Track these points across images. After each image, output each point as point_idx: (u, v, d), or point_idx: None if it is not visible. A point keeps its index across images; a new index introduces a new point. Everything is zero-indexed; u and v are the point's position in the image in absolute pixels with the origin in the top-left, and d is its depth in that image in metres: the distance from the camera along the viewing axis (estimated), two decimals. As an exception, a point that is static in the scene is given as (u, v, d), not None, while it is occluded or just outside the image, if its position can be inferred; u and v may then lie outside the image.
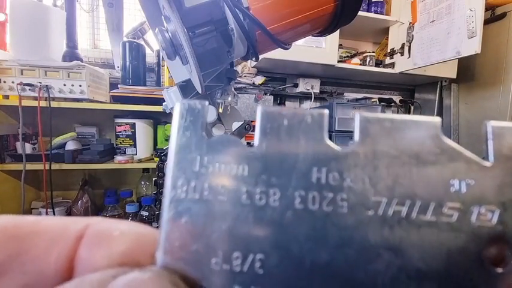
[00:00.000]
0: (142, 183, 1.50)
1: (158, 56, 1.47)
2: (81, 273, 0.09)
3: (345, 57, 1.63)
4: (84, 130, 1.45)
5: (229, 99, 0.51)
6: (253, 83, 1.50)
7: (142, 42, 1.40)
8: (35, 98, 1.11)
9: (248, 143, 0.50)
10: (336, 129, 1.41)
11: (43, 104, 1.11)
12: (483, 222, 0.08)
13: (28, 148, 1.24)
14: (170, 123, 1.36)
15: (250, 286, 0.08)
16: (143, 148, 1.35)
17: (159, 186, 0.42)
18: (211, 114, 0.48)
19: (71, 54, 1.28)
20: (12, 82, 1.11)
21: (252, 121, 0.55)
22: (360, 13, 1.39)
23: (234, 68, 0.44)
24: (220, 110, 0.50)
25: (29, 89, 1.12)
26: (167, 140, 1.41)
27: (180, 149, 0.09)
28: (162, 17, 0.43)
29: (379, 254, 0.08)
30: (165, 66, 1.41)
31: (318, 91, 1.64)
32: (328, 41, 1.34)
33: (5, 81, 1.12)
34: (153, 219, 1.34)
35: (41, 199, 1.37)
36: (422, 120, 0.09)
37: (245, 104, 1.45)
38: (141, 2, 0.48)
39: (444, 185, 0.08)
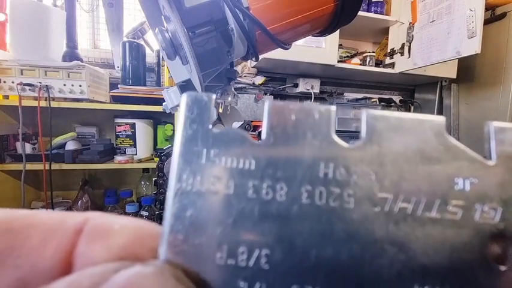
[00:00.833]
0: (142, 183, 1.50)
1: (158, 56, 1.47)
2: (79, 267, 0.09)
3: (345, 57, 1.63)
4: (84, 130, 1.45)
5: (229, 99, 0.51)
6: (253, 83, 1.50)
7: (142, 42, 1.40)
8: (35, 98, 1.11)
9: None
10: (336, 129, 1.41)
11: (43, 104, 1.11)
12: (486, 219, 0.08)
13: (28, 148, 1.24)
14: (170, 123, 1.36)
15: (255, 281, 0.08)
16: (143, 148, 1.35)
17: (159, 186, 0.42)
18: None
19: (71, 54, 1.28)
20: (12, 82, 1.11)
21: (252, 121, 0.55)
22: (360, 13, 1.39)
23: (234, 68, 0.44)
24: (220, 110, 0.50)
25: (29, 89, 1.12)
26: (167, 140, 1.41)
27: (186, 141, 0.09)
28: (162, 17, 0.43)
29: (385, 249, 0.08)
30: (165, 66, 1.41)
31: (318, 91, 1.64)
32: (328, 41, 1.34)
33: (5, 81, 1.12)
34: (153, 219, 1.34)
35: (41, 199, 1.37)
36: (427, 119, 0.09)
37: (245, 104, 1.45)
38: (141, 2, 0.48)
39: (449, 182, 0.08)
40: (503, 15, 1.41)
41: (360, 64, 1.54)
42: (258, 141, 0.09)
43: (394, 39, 1.51)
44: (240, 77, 1.48)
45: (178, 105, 0.53)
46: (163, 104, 0.55)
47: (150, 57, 1.49)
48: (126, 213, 1.34)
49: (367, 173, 0.09)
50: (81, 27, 1.55)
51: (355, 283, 0.08)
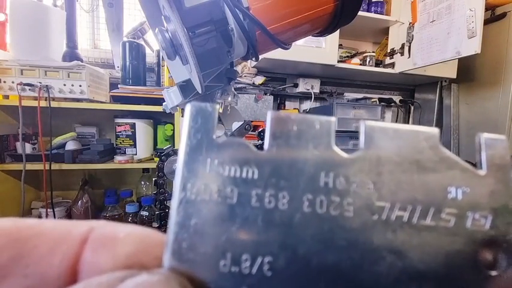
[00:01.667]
0: (142, 183, 1.50)
1: (158, 56, 1.47)
2: (85, 276, 0.09)
3: (345, 57, 1.63)
4: (84, 130, 1.45)
5: (229, 99, 0.51)
6: (253, 83, 1.50)
7: (142, 42, 1.40)
8: (35, 98, 1.11)
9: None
10: (336, 129, 1.41)
11: (43, 104, 1.11)
12: (477, 227, 0.09)
13: (28, 148, 1.24)
14: (170, 123, 1.36)
15: None
16: (143, 148, 1.35)
17: (159, 186, 0.42)
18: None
19: (71, 54, 1.28)
20: (12, 82, 1.11)
21: (252, 121, 0.55)
22: (360, 13, 1.39)
23: (234, 68, 0.44)
24: (220, 110, 0.50)
25: (29, 89, 1.12)
26: (167, 140, 1.41)
27: (191, 150, 0.09)
28: (162, 17, 0.43)
29: (383, 256, 0.09)
30: (165, 66, 1.41)
31: (318, 91, 1.64)
32: (328, 41, 1.34)
33: (5, 81, 1.12)
34: (153, 220, 1.34)
35: (41, 199, 1.37)
36: (422, 130, 0.09)
37: (245, 104, 1.45)
38: (141, 2, 0.48)
39: (442, 191, 0.09)
40: (503, 15, 1.41)
41: (360, 64, 1.54)
42: (260, 151, 0.09)
43: (394, 39, 1.51)
44: (240, 77, 1.48)
45: (178, 105, 0.53)
46: (163, 104, 0.55)
47: (150, 57, 1.49)
48: (126, 213, 1.34)
49: (366, 183, 0.09)
50: (81, 27, 1.55)
51: None
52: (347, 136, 1.45)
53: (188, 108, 0.09)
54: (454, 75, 1.56)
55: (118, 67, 1.42)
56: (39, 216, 1.27)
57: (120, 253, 0.09)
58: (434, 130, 0.10)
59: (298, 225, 0.09)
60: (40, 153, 1.15)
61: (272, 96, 1.51)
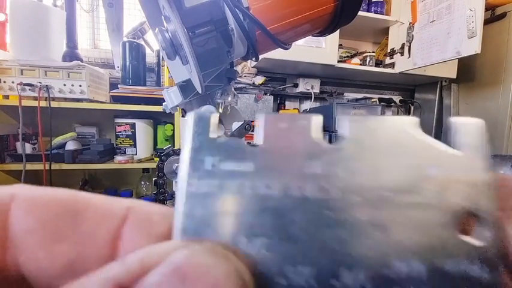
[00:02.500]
0: (142, 183, 1.50)
1: (158, 56, 1.47)
2: (123, 252, 0.10)
3: (345, 57, 1.63)
4: (84, 130, 1.45)
5: (229, 99, 0.51)
6: (253, 83, 1.50)
7: (142, 42, 1.40)
8: (35, 98, 1.11)
9: (249, 143, 0.50)
10: (336, 129, 1.41)
11: (43, 104, 1.11)
12: (456, 201, 0.10)
13: (28, 148, 1.24)
14: (170, 123, 1.36)
15: (256, 266, 0.09)
16: (143, 148, 1.35)
17: (159, 186, 0.42)
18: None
19: (71, 54, 1.28)
20: (12, 82, 1.11)
21: (252, 121, 0.55)
22: (360, 13, 1.39)
23: (234, 68, 0.44)
24: (220, 110, 0.50)
25: (29, 89, 1.12)
26: (167, 140, 1.41)
27: (194, 151, 0.11)
28: (162, 17, 0.43)
29: (368, 232, 0.10)
30: (165, 66, 1.41)
31: (318, 91, 1.64)
32: (328, 41, 1.34)
33: (5, 81, 1.12)
34: (153, 219, 1.35)
35: (41, 199, 1.37)
36: (402, 118, 0.11)
37: (245, 104, 1.45)
38: (141, 2, 0.48)
39: (422, 170, 0.10)
40: (503, 15, 1.41)
41: (360, 64, 1.54)
42: (255, 147, 0.11)
43: (394, 39, 1.51)
44: (240, 77, 1.48)
45: (178, 105, 0.53)
46: (163, 104, 0.55)
47: (150, 57, 1.49)
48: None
49: (350, 167, 0.10)
50: (81, 27, 1.55)
51: (342, 261, 0.09)
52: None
53: (191, 116, 0.11)
54: (454, 75, 1.56)
55: (118, 67, 1.42)
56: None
57: (155, 233, 0.10)
58: (414, 118, 0.11)
59: (290, 209, 0.10)
60: (40, 153, 1.15)
61: (272, 96, 1.51)
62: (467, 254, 0.09)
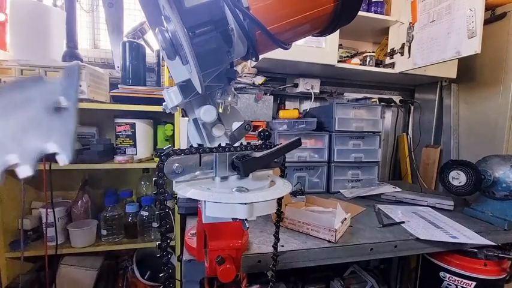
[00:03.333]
0: (142, 183, 1.50)
1: (158, 56, 1.47)
2: None
3: (345, 57, 1.63)
4: (84, 130, 1.45)
5: (229, 99, 0.51)
6: (253, 83, 1.50)
7: (142, 42, 1.40)
8: (35, 98, 1.11)
9: (248, 143, 0.50)
10: (336, 129, 1.42)
11: (43, 104, 1.11)
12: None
13: (28, 148, 1.23)
14: (170, 123, 1.35)
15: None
16: (143, 148, 1.35)
17: (159, 186, 0.42)
18: (211, 115, 0.48)
19: (71, 54, 1.28)
20: (12, 82, 1.11)
21: (252, 121, 0.55)
22: (360, 13, 1.39)
23: (234, 68, 0.44)
24: (220, 110, 0.50)
25: (29, 89, 1.11)
26: (167, 140, 1.41)
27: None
28: (162, 17, 0.43)
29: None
30: (165, 66, 1.41)
31: (318, 91, 1.64)
32: (328, 41, 1.34)
33: (5, 81, 1.11)
34: (153, 219, 1.35)
35: (41, 199, 1.37)
36: None
37: (245, 104, 1.45)
38: (141, 2, 0.48)
39: None
40: (503, 15, 1.41)
41: (360, 64, 1.54)
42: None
43: (394, 39, 1.51)
44: (240, 77, 1.48)
45: (178, 105, 0.53)
46: (163, 104, 0.55)
47: (150, 57, 1.49)
48: (126, 213, 1.34)
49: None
50: (81, 27, 1.55)
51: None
52: (347, 136, 1.45)
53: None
54: (454, 75, 1.56)
55: (118, 67, 1.42)
56: (40, 217, 1.27)
57: None
58: None
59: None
60: (40, 153, 1.15)
61: (272, 96, 1.51)
62: None
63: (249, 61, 1.46)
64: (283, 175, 0.54)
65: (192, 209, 0.98)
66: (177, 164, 0.42)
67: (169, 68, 0.53)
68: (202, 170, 0.45)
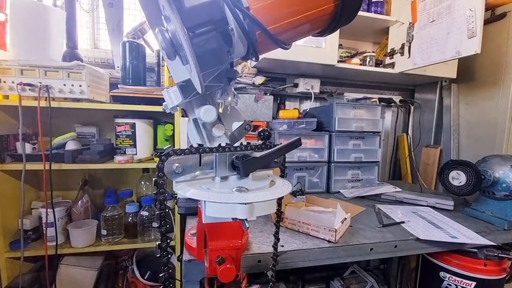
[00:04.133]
0: (143, 183, 1.50)
1: (158, 56, 1.47)
2: None
3: (345, 57, 1.63)
4: (84, 130, 1.45)
5: (229, 99, 0.51)
6: (253, 83, 1.50)
7: (142, 42, 1.40)
8: (35, 98, 1.11)
9: (248, 143, 0.50)
10: (336, 129, 1.41)
11: (43, 104, 1.11)
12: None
13: (28, 148, 1.24)
14: (170, 123, 1.36)
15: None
16: (143, 148, 1.35)
17: (159, 186, 0.42)
18: (211, 115, 0.48)
19: (71, 54, 1.28)
20: (12, 82, 1.11)
21: (252, 121, 0.55)
22: (360, 13, 1.39)
23: (234, 68, 0.44)
24: (220, 110, 0.50)
25: (29, 89, 1.12)
26: (167, 139, 1.41)
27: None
28: (162, 17, 0.43)
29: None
30: (165, 66, 1.41)
31: (318, 91, 1.64)
32: (328, 41, 1.34)
33: (5, 81, 1.12)
34: (153, 219, 1.35)
35: (41, 199, 1.37)
36: None
37: (245, 104, 1.45)
38: (141, 2, 0.48)
39: None
40: (503, 15, 1.41)
41: (360, 64, 1.54)
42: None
43: (394, 39, 1.50)
44: (240, 77, 1.48)
45: (178, 105, 0.53)
46: (163, 104, 0.55)
47: (150, 57, 1.49)
48: (126, 213, 1.34)
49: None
50: (81, 27, 1.55)
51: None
52: (347, 136, 1.45)
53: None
54: (454, 75, 1.56)
55: (118, 67, 1.42)
56: (40, 217, 1.27)
57: None
58: None
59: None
60: (40, 153, 1.15)
61: (272, 96, 1.51)
62: None
63: (249, 61, 1.46)
64: (283, 175, 0.54)
65: (192, 209, 0.98)
66: (177, 164, 0.42)
67: (169, 68, 0.53)
68: (202, 170, 0.45)
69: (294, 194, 1.26)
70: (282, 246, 0.78)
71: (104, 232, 1.29)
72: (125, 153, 1.31)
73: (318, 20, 0.45)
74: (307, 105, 1.69)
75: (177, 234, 1.31)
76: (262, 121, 1.47)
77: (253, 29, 0.40)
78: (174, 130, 1.34)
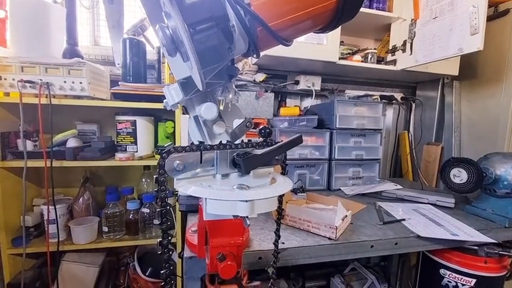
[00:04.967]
0: (143, 180, 1.51)
1: (159, 53, 1.47)
2: None
3: (346, 54, 1.62)
4: (85, 127, 1.45)
5: (230, 96, 0.51)
6: (254, 80, 1.49)
7: (142, 39, 1.40)
8: (36, 95, 1.11)
9: (249, 140, 0.50)
10: (337, 126, 1.41)
11: (44, 101, 1.11)
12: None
13: (29, 145, 1.24)
14: (171, 120, 1.36)
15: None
16: (144, 145, 1.35)
17: (160, 183, 0.42)
18: (212, 112, 0.48)
19: (72, 51, 1.27)
20: (13, 79, 1.11)
21: (252, 118, 0.55)
22: (362, 9, 1.38)
23: (235, 65, 0.44)
24: (221, 107, 0.50)
25: (30, 86, 1.12)
26: (168, 137, 1.41)
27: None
28: (163, 13, 0.43)
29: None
30: (166, 63, 1.41)
31: (319, 88, 1.63)
32: (330, 37, 1.33)
33: (5, 79, 1.11)
34: (154, 217, 1.35)
35: (43, 196, 1.38)
36: None
37: (246, 101, 1.45)
38: (142, -2, 0.48)
39: None
40: (506, 12, 1.39)
41: (362, 61, 1.53)
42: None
43: (396, 36, 1.50)
44: (241, 74, 1.47)
45: (179, 103, 0.53)
46: (164, 101, 0.55)
47: (151, 54, 1.49)
48: (127, 210, 1.34)
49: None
50: (81, 24, 1.54)
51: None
52: (348, 133, 1.45)
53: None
54: (456, 73, 1.55)
55: (118, 64, 1.41)
56: (41, 213, 1.28)
57: None
58: None
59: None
60: (41, 150, 1.15)
61: (273, 94, 1.51)
62: None
63: (249, 58, 1.45)
64: (284, 172, 0.54)
65: (193, 206, 0.98)
66: (178, 161, 0.42)
67: (170, 65, 0.53)
68: (203, 167, 0.45)
69: (294, 191, 1.26)
70: (283, 243, 0.78)
71: (105, 229, 1.30)
72: (125, 150, 1.31)
73: (320, 16, 0.45)
74: (308, 102, 1.69)
75: (178, 231, 1.31)
76: (263, 118, 1.47)
77: (254, 26, 0.40)
78: (174, 127, 1.34)
